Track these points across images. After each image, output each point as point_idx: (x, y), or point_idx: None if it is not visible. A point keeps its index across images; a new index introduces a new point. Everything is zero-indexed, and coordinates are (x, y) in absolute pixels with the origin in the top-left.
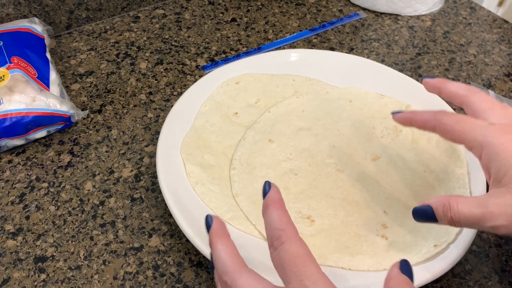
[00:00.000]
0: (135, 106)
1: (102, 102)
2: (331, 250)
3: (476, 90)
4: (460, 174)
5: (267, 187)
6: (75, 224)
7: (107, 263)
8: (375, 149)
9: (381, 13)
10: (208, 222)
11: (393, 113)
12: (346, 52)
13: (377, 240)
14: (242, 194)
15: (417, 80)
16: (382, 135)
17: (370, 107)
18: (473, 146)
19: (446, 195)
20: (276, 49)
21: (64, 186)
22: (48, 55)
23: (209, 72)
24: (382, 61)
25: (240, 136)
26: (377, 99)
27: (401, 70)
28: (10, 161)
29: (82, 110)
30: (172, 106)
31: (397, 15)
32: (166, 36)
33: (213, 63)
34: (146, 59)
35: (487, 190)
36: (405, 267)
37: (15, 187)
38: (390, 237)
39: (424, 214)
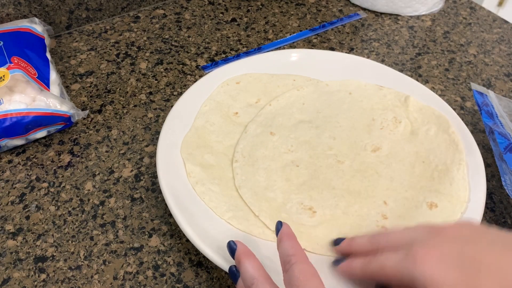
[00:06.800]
0: (135, 106)
1: (102, 102)
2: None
3: (376, 234)
4: (458, 165)
5: (279, 225)
6: (75, 224)
7: (107, 263)
8: (375, 140)
9: (381, 13)
10: (232, 246)
11: (335, 243)
12: (346, 52)
13: (377, 231)
14: (244, 186)
15: (417, 80)
16: (382, 127)
17: (370, 98)
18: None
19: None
20: (276, 49)
21: (64, 186)
22: (48, 55)
23: (209, 72)
24: (382, 61)
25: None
26: (376, 90)
27: (401, 70)
28: (10, 161)
29: (82, 110)
30: (172, 106)
31: (397, 15)
32: (166, 36)
33: (213, 63)
34: (146, 59)
35: (486, 186)
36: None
37: (15, 187)
38: (390, 227)
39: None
